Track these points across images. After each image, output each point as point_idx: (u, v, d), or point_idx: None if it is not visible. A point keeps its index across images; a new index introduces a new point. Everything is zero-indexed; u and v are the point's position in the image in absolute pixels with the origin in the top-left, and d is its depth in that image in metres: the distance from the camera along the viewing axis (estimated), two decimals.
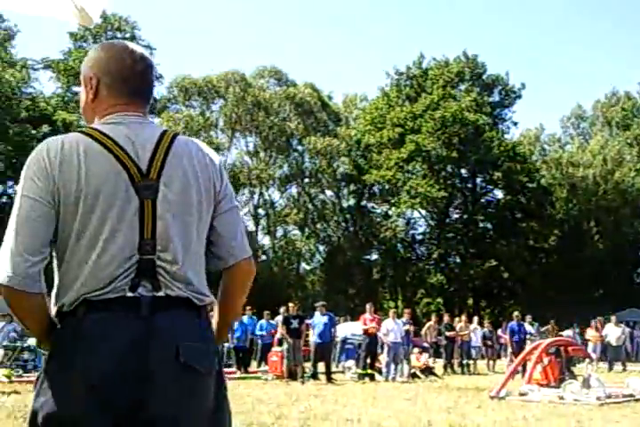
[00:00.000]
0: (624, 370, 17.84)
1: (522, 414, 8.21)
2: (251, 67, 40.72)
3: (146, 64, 1.88)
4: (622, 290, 36.77)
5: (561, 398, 9.94)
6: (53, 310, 1.74)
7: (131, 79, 1.84)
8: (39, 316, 1.73)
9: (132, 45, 1.91)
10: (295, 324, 13.54)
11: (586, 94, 69.59)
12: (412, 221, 39.90)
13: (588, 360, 15.12)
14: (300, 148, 39.26)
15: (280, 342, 14.47)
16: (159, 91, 39.09)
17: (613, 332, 19.01)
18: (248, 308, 16.16)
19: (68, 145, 1.70)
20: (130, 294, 1.67)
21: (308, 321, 14.36)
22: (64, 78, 34.00)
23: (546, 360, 11.63)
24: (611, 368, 18.04)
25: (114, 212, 1.68)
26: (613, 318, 20.03)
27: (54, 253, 1.74)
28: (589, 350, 17.34)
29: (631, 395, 10.33)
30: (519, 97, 40.48)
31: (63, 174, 1.67)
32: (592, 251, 37.44)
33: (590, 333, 19.80)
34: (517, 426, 7.14)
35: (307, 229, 39.73)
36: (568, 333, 21.27)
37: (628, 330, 20.95)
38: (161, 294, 1.69)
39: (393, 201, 37.95)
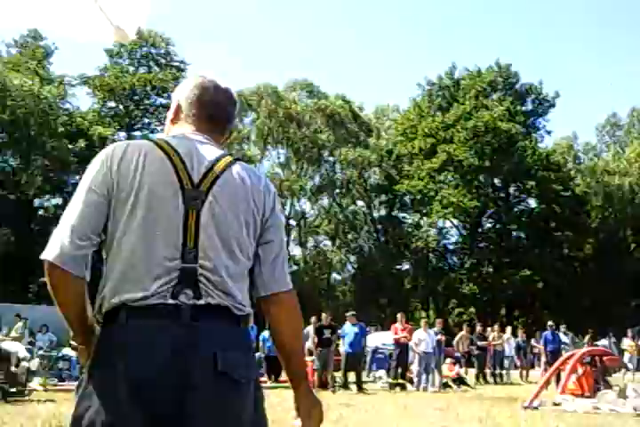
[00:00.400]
0: None
1: (555, 424, 8.10)
2: (282, 80, 41.12)
3: (227, 97, 1.99)
4: None
5: (596, 408, 9.78)
6: (95, 307, 1.79)
7: (209, 107, 1.95)
8: (79, 303, 1.78)
9: (220, 80, 2.01)
10: (327, 334, 13.59)
11: (621, 102, 68.62)
12: (444, 230, 39.76)
13: (624, 370, 14.86)
14: (331, 159, 39.49)
15: (311, 352, 14.52)
16: None
17: None
18: None
19: (132, 147, 1.81)
20: (171, 301, 1.70)
21: (338, 331, 14.38)
22: (100, 94, 34.79)
23: (580, 370, 11.46)
24: None
25: (161, 216, 1.74)
26: None
27: (103, 251, 1.81)
28: (625, 359, 17.07)
29: None
30: (553, 106, 40.19)
31: (120, 170, 1.75)
32: (628, 260, 36.79)
33: (627, 342, 19.47)
34: None
35: (338, 240, 39.81)
36: (604, 342, 20.93)
37: None
38: (202, 302, 1.72)
39: (425, 211, 37.83)
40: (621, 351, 19.26)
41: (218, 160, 1.84)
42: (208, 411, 1.66)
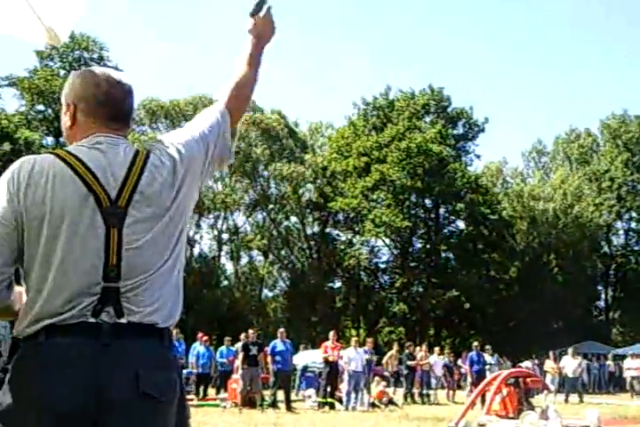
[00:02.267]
0: (581, 401, 17.97)
1: None
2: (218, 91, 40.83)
3: (123, 89, 1.87)
4: (581, 322, 37.36)
5: None
6: (16, 330, 1.70)
7: (107, 104, 1.83)
8: (7, 316, 1.82)
9: (108, 70, 1.91)
10: (254, 351, 13.34)
11: (547, 130, 71.56)
12: (376, 249, 40.10)
13: (546, 392, 15.20)
14: (265, 173, 39.33)
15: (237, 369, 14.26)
16: None
17: (570, 364, 19.17)
18: (204, 338, 16.05)
19: (39, 167, 1.70)
20: (92, 320, 1.64)
21: (266, 348, 14.15)
22: (28, 96, 33.61)
23: (505, 391, 11.65)
24: (567, 400, 18.16)
25: (78, 239, 1.66)
26: (570, 349, 20.22)
27: (22, 279, 1.72)
28: (547, 381, 17.46)
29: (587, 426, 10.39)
30: (482, 131, 41.36)
31: (28, 197, 1.67)
32: (551, 283, 37.96)
33: (549, 364, 19.95)
34: None
35: (270, 256, 39.58)
36: (527, 364, 21.43)
37: (585, 362, 21.14)
38: (123, 320, 1.66)
39: (357, 229, 38.10)
40: (544, 373, 19.75)
41: (132, 165, 1.75)
42: None
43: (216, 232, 38.43)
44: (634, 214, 43.63)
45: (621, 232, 44.80)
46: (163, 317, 1.72)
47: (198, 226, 37.55)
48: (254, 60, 2.09)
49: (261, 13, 2.05)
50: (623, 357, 24.21)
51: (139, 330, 1.67)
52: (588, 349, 29.42)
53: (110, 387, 1.57)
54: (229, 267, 39.07)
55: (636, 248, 44.03)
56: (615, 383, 25.15)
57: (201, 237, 38.20)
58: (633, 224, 44.15)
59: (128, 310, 1.67)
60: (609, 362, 26.46)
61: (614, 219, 43.14)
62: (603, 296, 43.91)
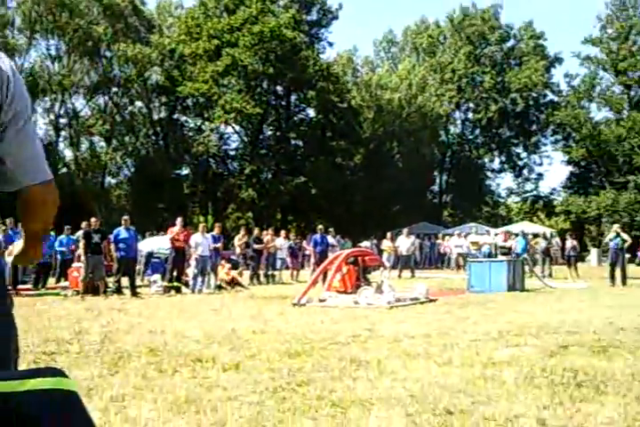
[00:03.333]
0: (412, 276, 19.63)
1: (320, 318, 8.70)
2: None
3: None
4: (417, 205, 40.23)
5: (356, 302, 10.70)
6: None
7: None
8: None
9: None
10: (97, 239, 13.04)
11: (398, 20, 72.01)
12: (226, 136, 39.74)
13: (382, 268, 16.35)
14: (108, 54, 36.75)
15: (79, 258, 13.97)
16: None
17: (404, 243, 20.71)
18: None
19: None
20: None
21: (109, 236, 13.90)
22: None
23: (345, 269, 12.40)
24: (400, 275, 19.73)
25: None
26: (405, 230, 21.76)
27: None
28: (384, 259, 18.73)
29: (417, 298, 11.42)
30: (336, 18, 40.89)
31: None
32: (393, 169, 39.98)
33: (385, 243, 21.42)
34: (314, 329, 7.47)
35: (114, 141, 37.95)
36: (366, 244, 22.85)
37: (418, 241, 22.85)
38: None
39: (206, 115, 37.27)
40: (381, 251, 21.19)
41: None
42: None
43: (53, 116, 36.01)
44: (471, 105, 46.26)
45: (459, 122, 47.66)
46: None
47: (33, 109, 34.85)
48: None
49: None
50: (452, 236, 26.45)
51: None
52: (422, 229, 31.92)
53: None
54: (69, 153, 37.22)
55: (470, 137, 47.27)
56: (443, 260, 27.63)
57: (35, 121, 35.63)
58: (470, 115, 46.98)
59: None
60: (439, 241, 28.88)
61: (453, 109, 45.56)
62: (438, 181, 47.32)
